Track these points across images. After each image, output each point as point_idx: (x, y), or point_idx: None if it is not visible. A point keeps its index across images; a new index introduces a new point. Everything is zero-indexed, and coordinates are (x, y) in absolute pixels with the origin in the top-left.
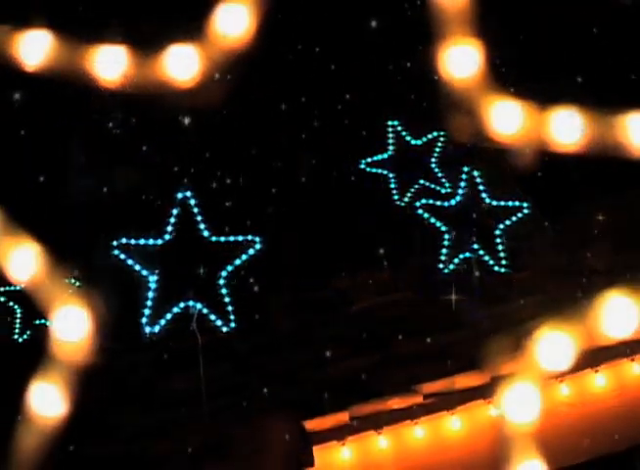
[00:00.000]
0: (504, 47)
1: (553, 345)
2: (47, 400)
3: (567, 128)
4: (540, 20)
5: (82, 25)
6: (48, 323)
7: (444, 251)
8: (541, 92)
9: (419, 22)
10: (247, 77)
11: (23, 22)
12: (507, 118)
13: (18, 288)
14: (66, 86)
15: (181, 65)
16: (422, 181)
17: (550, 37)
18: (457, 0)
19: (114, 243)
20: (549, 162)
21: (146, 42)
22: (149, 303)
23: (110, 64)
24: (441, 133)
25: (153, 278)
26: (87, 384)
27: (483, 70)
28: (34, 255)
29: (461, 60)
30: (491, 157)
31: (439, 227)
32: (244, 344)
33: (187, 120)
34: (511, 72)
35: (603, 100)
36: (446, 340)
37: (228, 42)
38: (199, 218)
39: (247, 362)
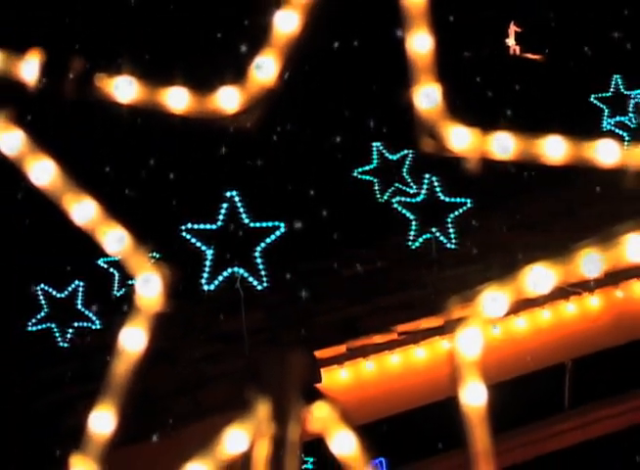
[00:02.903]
0: (454, 89)
1: (491, 298)
2: (134, 339)
3: (501, 145)
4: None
5: (155, 69)
6: (135, 283)
7: (411, 233)
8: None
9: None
10: (273, 109)
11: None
12: (459, 138)
13: (115, 259)
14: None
15: (227, 100)
16: (396, 184)
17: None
18: (425, 55)
19: (183, 227)
20: (489, 167)
21: (204, 84)
22: (206, 269)
23: (176, 100)
24: (411, 151)
25: (209, 252)
26: (163, 326)
27: (443, 104)
28: (125, 236)
29: (427, 96)
30: (449, 164)
31: (408, 216)
32: (272, 298)
33: (230, 139)
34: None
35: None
36: (414, 295)
37: (261, 84)
38: (241, 210)
39: (274, 311)
